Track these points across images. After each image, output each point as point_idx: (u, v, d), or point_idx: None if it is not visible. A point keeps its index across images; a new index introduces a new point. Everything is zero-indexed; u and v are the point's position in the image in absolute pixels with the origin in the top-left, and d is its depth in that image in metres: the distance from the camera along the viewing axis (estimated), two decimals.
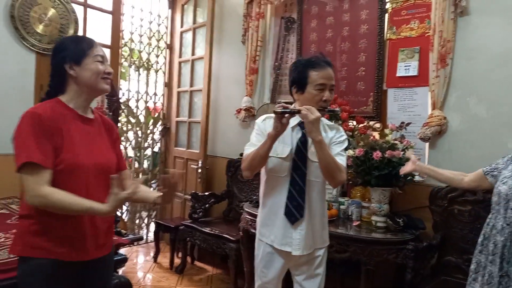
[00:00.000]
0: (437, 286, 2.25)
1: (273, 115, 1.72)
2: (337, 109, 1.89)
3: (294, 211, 1.68)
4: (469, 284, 1.80)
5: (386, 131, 2.54)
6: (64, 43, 1.40)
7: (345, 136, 1.77)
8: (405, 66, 2.68)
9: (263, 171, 1.78)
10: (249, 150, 1.70)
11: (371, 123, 2.82)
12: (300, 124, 1.71)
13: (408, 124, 2.52)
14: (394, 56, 2.74)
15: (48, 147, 1.26)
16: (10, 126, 3.57)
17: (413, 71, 2.65)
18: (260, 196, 1.83)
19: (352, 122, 2.75)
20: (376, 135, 2.77)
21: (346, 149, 1.78)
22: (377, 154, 2.32)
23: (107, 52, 1.65)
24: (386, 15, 2.81)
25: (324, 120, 1.77)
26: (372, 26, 2.88)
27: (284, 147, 1.68)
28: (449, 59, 2.47)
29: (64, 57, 1.35)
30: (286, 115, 1.55)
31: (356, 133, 2.66)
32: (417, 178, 2.45)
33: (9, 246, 1.94)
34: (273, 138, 1.59)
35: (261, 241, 1.78)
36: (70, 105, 1.37)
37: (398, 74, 2.71)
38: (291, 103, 1.75)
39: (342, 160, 1.68)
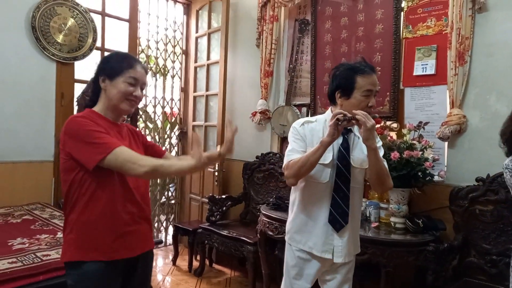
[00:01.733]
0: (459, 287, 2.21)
1: (312, 119, 1.76)
2: (376, 115, 1.88)
3: (339, 218, 1.65)
4: None
5: (404, 131, 2.50)
6: (110, 56, 1.50)
7: (381, 142, 1.77)
8: (422, 64, 2.65)
9: None
10: (293, 156, 1.66)
11: (388, 123, 2.78)
12: None
13: (426, 123, 2.48)
14: (411, 55, 2.71)
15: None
16: (32, 135, 3.70)
17: (430, 69, 2.61)
18: (295, 203, 1.77)
19: None
20: (394, 135, 2.74)
21: None
22: (394, 155, 2.29)
23: None
24: (402, 14, 2.78)
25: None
26: (387, 25, 2.85)
27: (326, 153, 1.63)
28: (467, 56, 2.42)
29: (102, 69, 1.44)
30: (343, 122, 1.53)
31: None
32: (436, 178, 2.40)
33: (32, 252, 2.00)
34: (327, 145, 1.56)
35: (295, 247, 1.75)
36: (103, 114, 1.44)
37: (415, 73, 2.67)
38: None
39: (386, 166, 1.68)
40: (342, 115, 1.52)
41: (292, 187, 1.80)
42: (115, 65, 1.43)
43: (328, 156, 1.65)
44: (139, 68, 1.45)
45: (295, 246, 1.74)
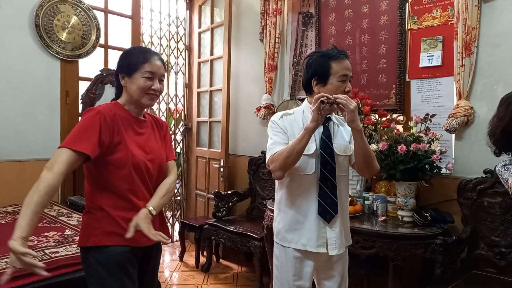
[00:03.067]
0: (468, 280, 2.19)
1: (290, 111, 1.74)
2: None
3: (329, 209, 1.63)
4: None
5: (411, 123, 2.48)
6: (126, 52, 1.52)
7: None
8: (428, 56, 2.62)
9: None
10: (276, 149, 1.62)
11: (394, 116, 2.76)
12: None
13: (433, 115, 2.45)
14: (417, 46, 2.68)
15: (95, 139, 1.34)
16: (38, 133, 3.73)
17: (436, 61, 2.58)
18: (281, 201, 1.72)
19: (375, 116, 2.71)
20: (400, 128, 2.72)
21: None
22: (401, 148, 2.28)
23: None
24: (407, 5, 2.75)
25: (335, 114, 1.76)
26: (392, 16, 2.82)
27: (309, 143, 1.60)
28: (474, 47, 2.39)
29: (120, 66, 1.48)
30: (326, 105, 1.52)
31: (379, 126, 2.62)
32: (443, 170, 2.38)
33: (40, 249, 2.01)
34: (311, 131, 1.54)
35: (287, 248, 1.69)
36: (126, 107, 1.49)
37: (421, 65, 2.65)
38: (305, 99, 1.74)
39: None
40: (325, 97, 1.51)
41: (277, 186, 1.76)
42: (131, 61, 1.45)
43: (312, 146, 1.63)
44: (155, 61, 1.46)
45: (288, 246, 1.69)
